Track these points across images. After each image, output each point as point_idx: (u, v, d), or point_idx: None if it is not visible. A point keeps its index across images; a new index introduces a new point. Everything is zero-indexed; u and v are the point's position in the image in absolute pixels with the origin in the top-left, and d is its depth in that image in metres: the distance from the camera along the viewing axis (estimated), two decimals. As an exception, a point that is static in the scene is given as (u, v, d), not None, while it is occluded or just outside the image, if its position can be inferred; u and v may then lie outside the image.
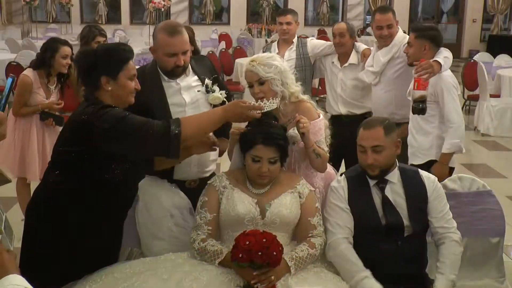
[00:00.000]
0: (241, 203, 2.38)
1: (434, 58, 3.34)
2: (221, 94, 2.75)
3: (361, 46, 4.21)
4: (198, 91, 2.75)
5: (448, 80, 3.33)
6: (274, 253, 2.11)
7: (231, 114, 2.36)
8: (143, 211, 2.62)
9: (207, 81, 2.74)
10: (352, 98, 4.09)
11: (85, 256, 2.32)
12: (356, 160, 2.55)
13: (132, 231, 2.65)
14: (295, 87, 2.65)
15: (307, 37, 5.01)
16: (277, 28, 4.49)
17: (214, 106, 2.75)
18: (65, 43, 4.11)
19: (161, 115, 2.64)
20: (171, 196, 2.66)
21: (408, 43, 3.51)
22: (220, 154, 2.87)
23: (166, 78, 2.72)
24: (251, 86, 2.62)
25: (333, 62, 4.14)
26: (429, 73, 3.26)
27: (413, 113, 3.36)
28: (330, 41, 4.35)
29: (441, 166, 3.32)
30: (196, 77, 2.79)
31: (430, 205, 2.48)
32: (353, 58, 4.09)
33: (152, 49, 2.73)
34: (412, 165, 3.26)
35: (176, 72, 2.69)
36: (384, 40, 3.87)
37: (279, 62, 2.62)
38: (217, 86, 2.76)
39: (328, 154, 2.63)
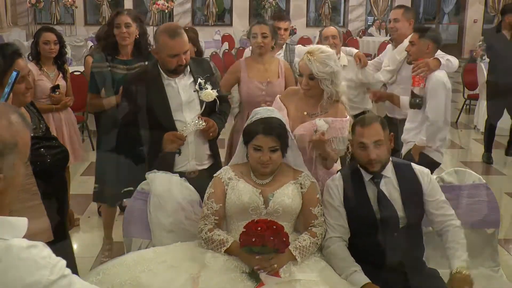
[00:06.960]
0: (246, 193, 2.49)
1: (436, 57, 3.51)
2: (213, 91, 2.88)
3: (352, 49, 4.37)
4: (195, 91, 2.91)
5: (436, 80, 3.47)
6: (284, 239, 2.25)
7: None
8: (156, 204, 2.69)
9: (200, 79, 2.89)
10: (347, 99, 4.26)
11: None
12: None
13: (143, 224, 2.72)
14: (342, 88, 2.77)
15: (309, 38, 5.12)
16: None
17: (207, 103, 2.90)
18: (48, 29, 4.21)
19: (162, 113, 2.83)
20: (181, 190, 2.75)
21: (410, 42, 3.64)
22: (214, 134, 2.98)
23: (166, 76, 2.89)
24: (300, 76, 2.75)
25: None
26: (425, 71, 3.45)
27: (410, 107, 3.55)
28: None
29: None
30: (192, 78, 2.94)
31: (427, 197, 2.56)
32: (343, 60, 4.21)
33: (154, 51, 2.90)
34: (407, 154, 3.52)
35: (178, 71, 2.88)
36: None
37: (334, 63, 2.70)
38: (210, 84, 2.89)
39: (338, 155, 2.82)
